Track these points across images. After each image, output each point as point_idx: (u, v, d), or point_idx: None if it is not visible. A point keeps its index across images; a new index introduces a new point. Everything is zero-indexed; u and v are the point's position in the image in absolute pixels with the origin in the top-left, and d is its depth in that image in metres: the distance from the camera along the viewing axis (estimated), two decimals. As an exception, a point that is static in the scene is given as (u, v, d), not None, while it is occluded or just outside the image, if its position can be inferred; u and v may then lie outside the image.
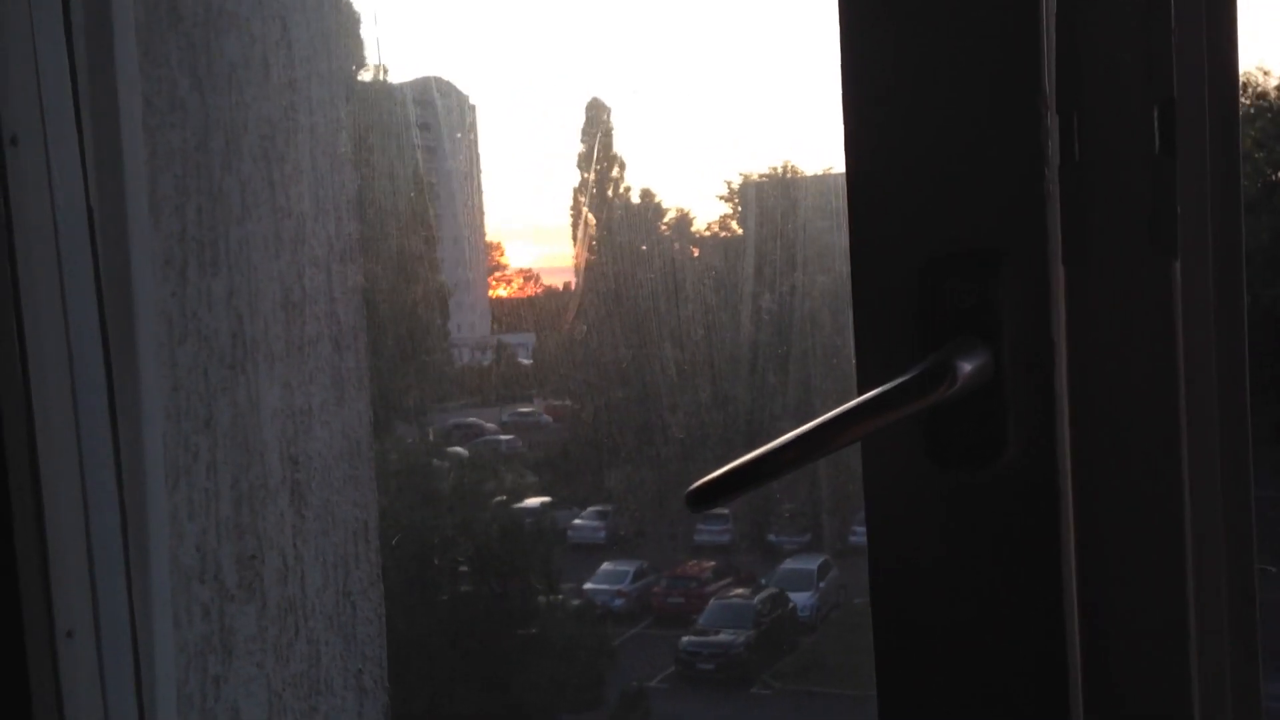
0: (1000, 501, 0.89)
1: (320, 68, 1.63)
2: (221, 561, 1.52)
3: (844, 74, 0.93)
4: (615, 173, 4.50)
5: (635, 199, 4.62)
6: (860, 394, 0.93)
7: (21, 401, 1.24)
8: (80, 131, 1.30)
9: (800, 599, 5.33)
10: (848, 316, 0.97)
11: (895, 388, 0.85)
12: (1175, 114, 0.91)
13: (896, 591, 0.93)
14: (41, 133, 1.26)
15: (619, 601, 5.28)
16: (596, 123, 4.58)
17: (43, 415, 1.26)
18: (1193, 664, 0.92)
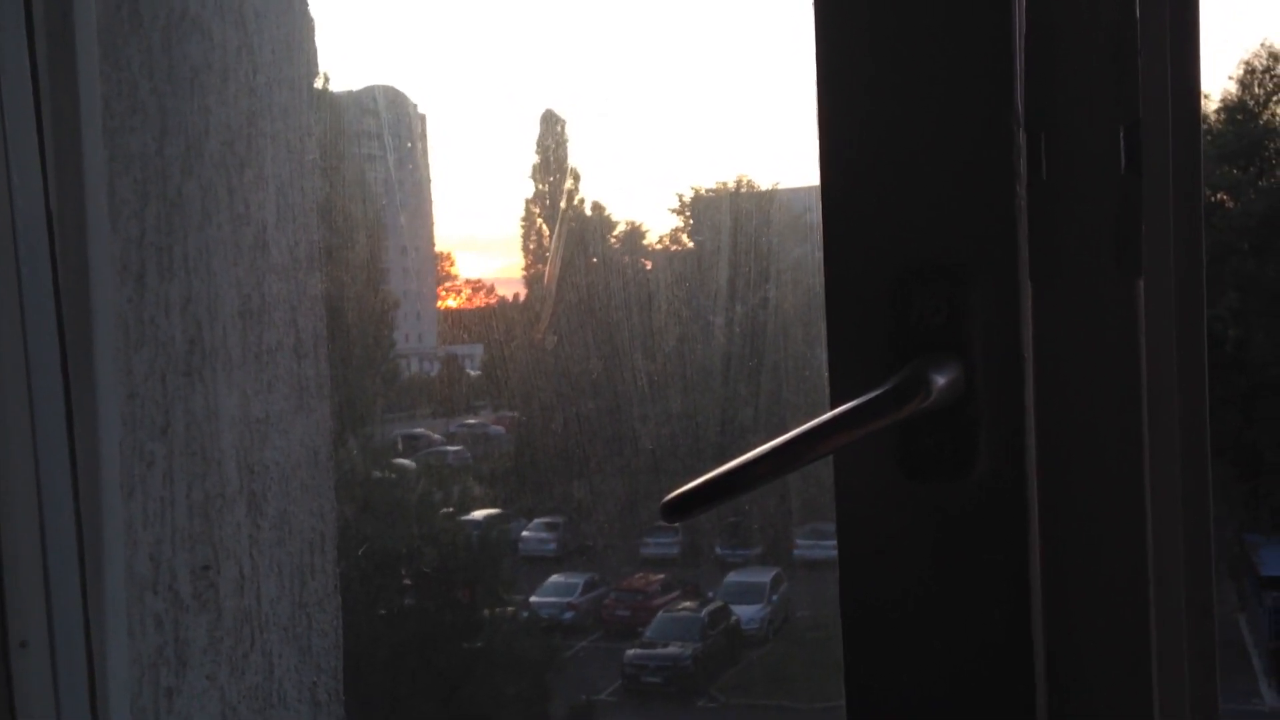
0: (971, 513, 0.90)
1: (284, 74, 1.62)
2: (176, 571, 1.50)
3: (819, 89, 0.94)
4: (569, 184, 4.50)
5: (588, 211, 4.62)
6: (833, 407, 0.94)
7: (-23, 407, 1.22)
8: (41, 134, 1.28)
9: (748, 612, 5.33)
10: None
11: (869, 401, 0.85)
12: (1141, 135, 0.93)
13: (867, 600, 0.94)
14: (1, 135, 1.24)
15: (569, 614, 5.26)
16: (550, 134, 4.57)
17: (-2, 422, 1.24)
18: (1154, 675, 0.93)
